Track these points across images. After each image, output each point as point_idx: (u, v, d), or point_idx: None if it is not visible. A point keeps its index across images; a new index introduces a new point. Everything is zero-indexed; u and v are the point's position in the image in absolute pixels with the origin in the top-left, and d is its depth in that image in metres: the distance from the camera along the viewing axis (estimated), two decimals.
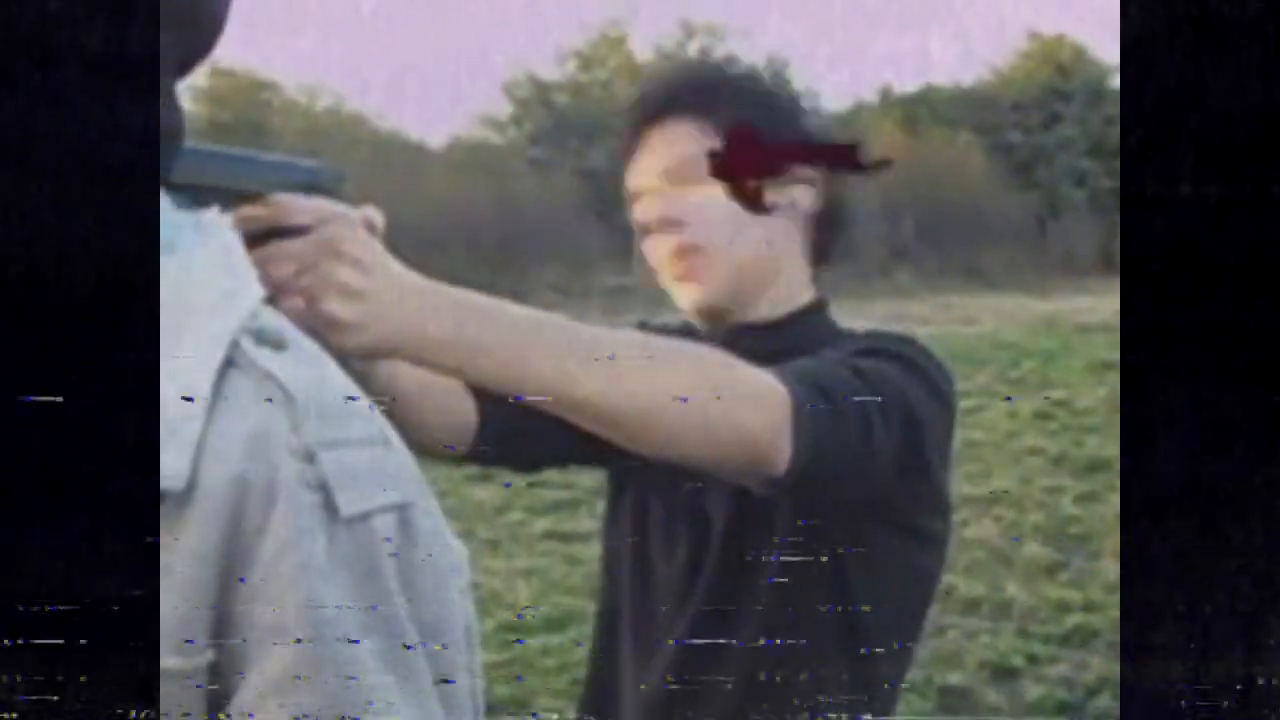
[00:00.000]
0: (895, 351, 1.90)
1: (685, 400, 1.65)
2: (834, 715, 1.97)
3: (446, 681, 1.09)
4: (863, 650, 1.97)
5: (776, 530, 1.94)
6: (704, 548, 2.03)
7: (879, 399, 1.79)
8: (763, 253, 2.06)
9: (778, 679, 1.97)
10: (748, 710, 1.98)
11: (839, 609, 1.95)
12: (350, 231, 1.57)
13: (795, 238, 2.09)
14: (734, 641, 1.99)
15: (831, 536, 1.93)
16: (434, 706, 1.07)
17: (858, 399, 1.77)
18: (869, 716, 2.00)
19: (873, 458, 1.80)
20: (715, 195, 2.00)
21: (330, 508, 1.03)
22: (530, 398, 1.66)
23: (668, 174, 2.04)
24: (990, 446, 12.46)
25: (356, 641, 1.03)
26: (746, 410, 1.69)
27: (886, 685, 2.04)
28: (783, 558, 1.94)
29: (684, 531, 2.07)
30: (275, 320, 1.11)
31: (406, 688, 1.05)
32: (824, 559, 1.92)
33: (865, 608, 1.96)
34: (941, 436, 1.92)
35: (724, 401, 1.68)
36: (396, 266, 1.59)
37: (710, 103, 2.04)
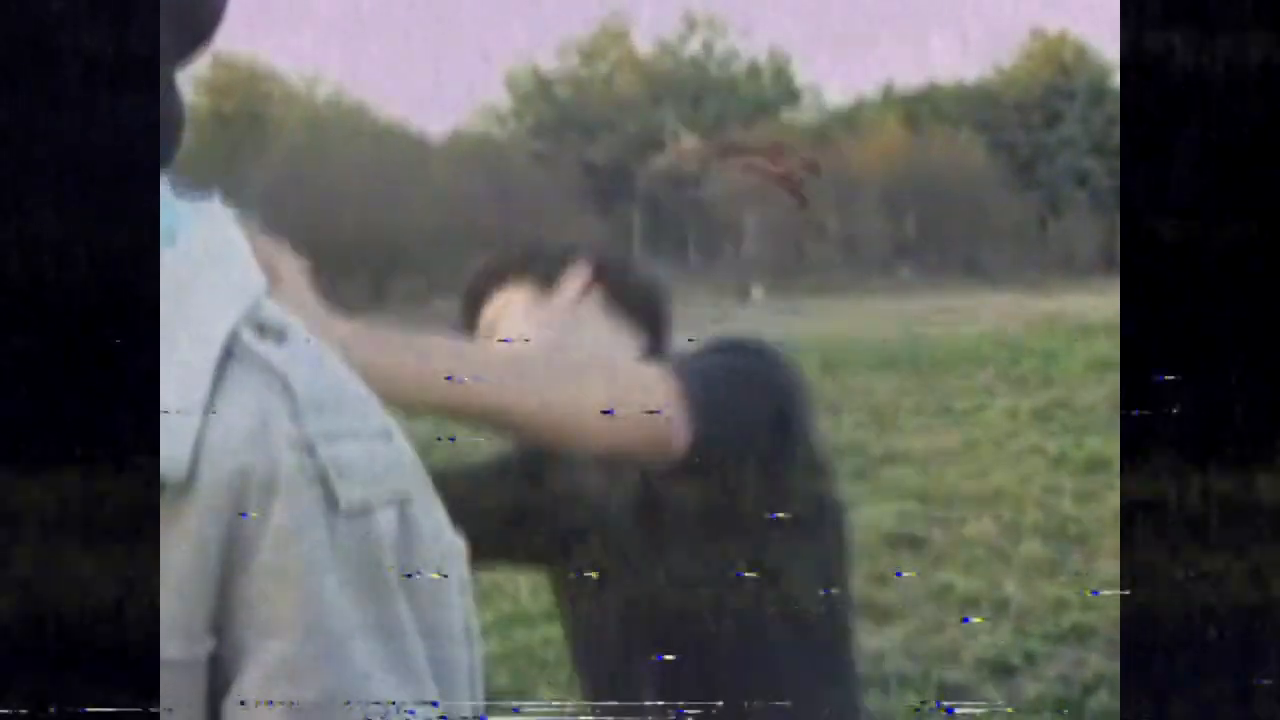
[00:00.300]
0: (737, 341, 2.15)
1: (593, 402, 1.89)
2: (791, 692, 2.16)
3: (445, 673, 1.09)
4: (801, 617, 2.17)
5: (686, 528, 2.14)
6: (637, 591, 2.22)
7: (747, 373, 2.06)
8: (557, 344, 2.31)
9: (737, 677, 2.17)
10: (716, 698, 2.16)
11: (769, 584, 2.15)
12: (287, 259, 1.75)
13: (593, 321, 2.32)
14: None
15: (735, 518, 2.12)
16: (432, 698, 1.07)
17: (730, 376, 2.04)
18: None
19: (755, 425, 2.04)
20: (511, 326, 2.32)
21: (330, 500, 1.03)
22: (458, 416, 1.86)
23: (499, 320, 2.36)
24: (990, 445, 12.47)
25: (355, 634, 1.03)
26: (642, 400, 1.91)
27: (839, 660, 2.24)
28: (700, 546, 2.15)
29: (618, 593, 2.25)
30: (276, 312, 1.11)
31: (404, 680, 1.05)
32: (740, 545, 2.14)
33: (791, 573, 2.17)
34: (801, 402, 2.13)
35: (625, 396, 1.91)
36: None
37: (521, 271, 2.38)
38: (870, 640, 6.96)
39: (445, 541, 1.11)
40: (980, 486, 10.55)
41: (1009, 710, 6.17)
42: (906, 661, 6.65)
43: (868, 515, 9.65)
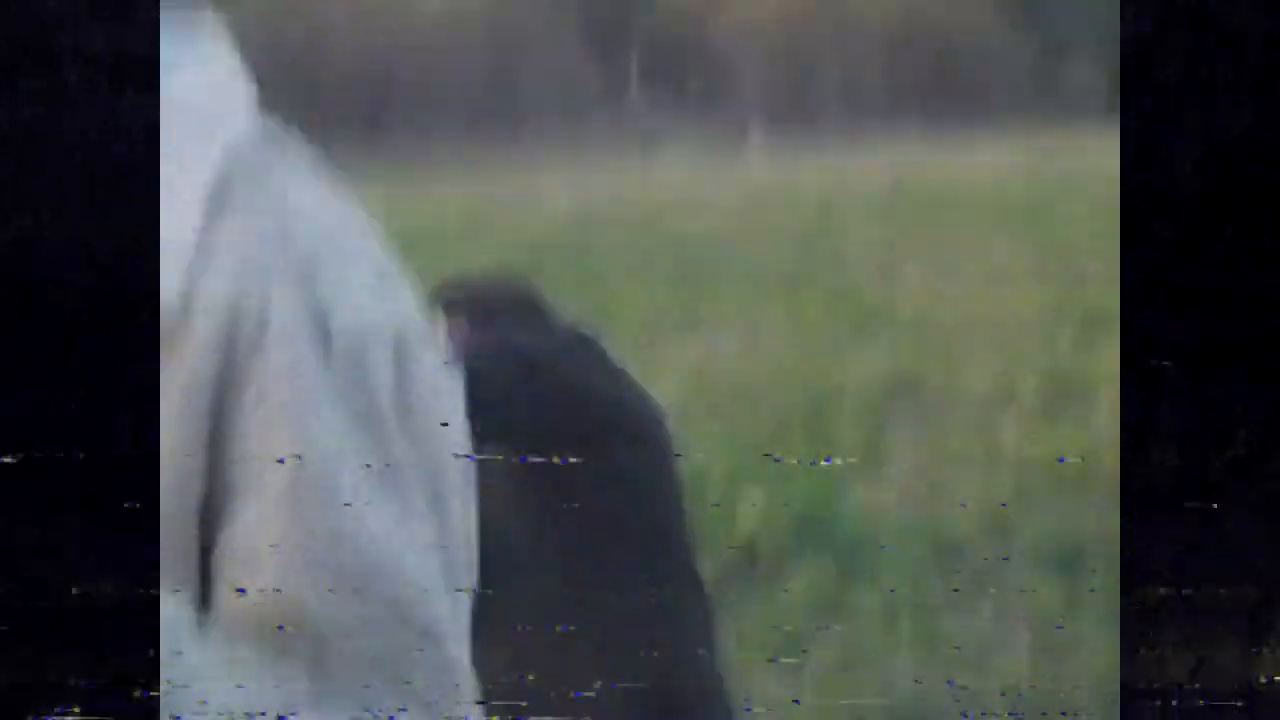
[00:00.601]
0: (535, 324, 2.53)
1: None
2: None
3: (442, 510, 1.09)
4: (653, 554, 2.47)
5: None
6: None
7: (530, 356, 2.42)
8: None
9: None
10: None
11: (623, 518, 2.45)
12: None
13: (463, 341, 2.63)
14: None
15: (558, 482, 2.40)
16: (426, 531, 1.07)
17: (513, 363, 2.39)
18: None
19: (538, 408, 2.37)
20: None
21: (324, 337, 1.03)
22: None
23: None
24: (987, 298, 12.45)
25: (350, 470, 1.03)
26: None
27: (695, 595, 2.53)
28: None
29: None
30: (271, 150, 1.10)
31: (398, 511, 1.06)
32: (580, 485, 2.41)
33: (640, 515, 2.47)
34: (598, 370, 2.47)
35: None
36: None
37: None
38: (866, 494, 7.00)
39: (442, 380, 1.11)
40: (977, 339, 10.55)
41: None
42: (903, 516, 6.68)
43: (864, 370, 9.66)
